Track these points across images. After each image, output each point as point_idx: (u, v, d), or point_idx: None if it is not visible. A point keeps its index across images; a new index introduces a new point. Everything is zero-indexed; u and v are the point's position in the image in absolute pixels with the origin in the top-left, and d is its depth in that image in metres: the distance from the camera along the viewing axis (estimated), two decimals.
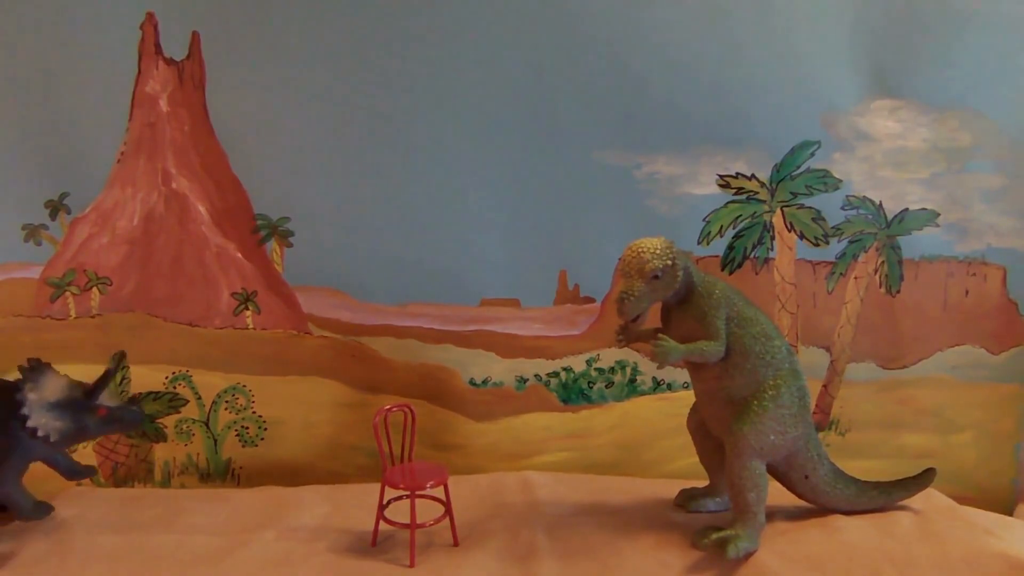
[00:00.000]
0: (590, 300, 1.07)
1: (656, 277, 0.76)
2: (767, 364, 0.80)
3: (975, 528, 0.83)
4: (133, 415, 0.84)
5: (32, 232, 1.05)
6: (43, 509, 0.84)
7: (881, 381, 1.07)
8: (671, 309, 0.82)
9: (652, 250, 0.76)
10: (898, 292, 1.06)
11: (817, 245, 1.06)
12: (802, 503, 0.87)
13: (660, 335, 0.78)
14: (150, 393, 1.07)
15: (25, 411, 0.79)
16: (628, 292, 0.76)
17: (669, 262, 0.77)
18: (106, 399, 0.83)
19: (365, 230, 1.05)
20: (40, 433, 0.79)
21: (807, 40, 1.01)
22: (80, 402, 0.82)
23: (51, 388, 0.81)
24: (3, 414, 0.80)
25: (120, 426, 0.84)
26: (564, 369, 1.09)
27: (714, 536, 0.79)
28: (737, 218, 1.06)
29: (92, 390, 0.83)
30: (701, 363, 0.80)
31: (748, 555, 0.78)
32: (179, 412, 1.07)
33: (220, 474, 1.09)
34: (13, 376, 0.83)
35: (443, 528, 0.83)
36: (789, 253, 1.06)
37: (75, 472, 0.89)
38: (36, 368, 0.82)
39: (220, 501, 0.86)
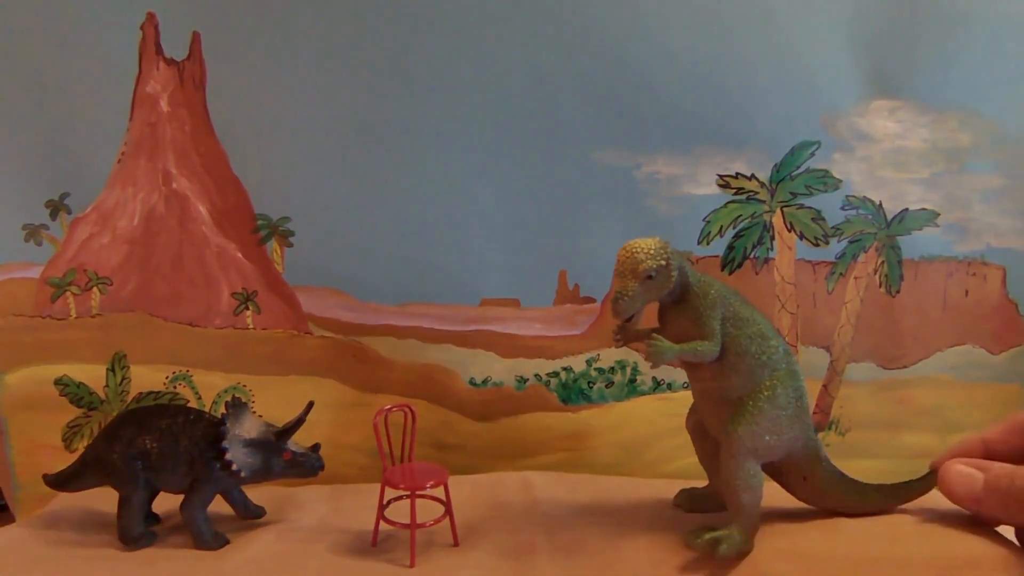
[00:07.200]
0: (590, 300, 1.07)
1: (650, 277, 0.76)
2: (763, 364, 0.79)
3: (975, 528, 0.83)
4: (312, 463, 0.85)
5: (32, 232, 1.05)
6: (220, 539, 0.84)
7: (881, 381, 1.07)
8: (667, 309, 0.82)
9: (646, 250, 0.76)
10: (898, 292, 1.06)
11: (817, 245, 1.06)
12: (802, 503, 0.87)
13: (654, 335, 0.78)
14: (150, 393, 1.07)
15: (225, 444, 0.82)
16: (622, 292, 0.76)
17: (663, 262, 0.76)
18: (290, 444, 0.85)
19: (365, 230, 1.05)
20: (234, 467, 0.82)
21: (807, 40, 1.01)
22: (271, 443, 0.84)
23: (248, 426, 0.84)
24: (204, 445, 0.83)
25: (298, 471, 0.85)
26: (564, 369, 1.09)
27: (707, 536, 0.79)
28: (737, 218, 1.06)
29: (282, 432, 0.84)
30: (697, 363, 0.80)
31: (741, 555, 0.77)
32: None
33: None
34: None
35: (443, 528, 0.83)
36: (789, 253, 1.06)
37: (248, 511, 0.90)
38: (238, 406, 0.85)
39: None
